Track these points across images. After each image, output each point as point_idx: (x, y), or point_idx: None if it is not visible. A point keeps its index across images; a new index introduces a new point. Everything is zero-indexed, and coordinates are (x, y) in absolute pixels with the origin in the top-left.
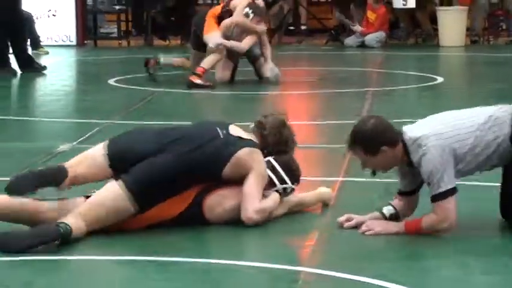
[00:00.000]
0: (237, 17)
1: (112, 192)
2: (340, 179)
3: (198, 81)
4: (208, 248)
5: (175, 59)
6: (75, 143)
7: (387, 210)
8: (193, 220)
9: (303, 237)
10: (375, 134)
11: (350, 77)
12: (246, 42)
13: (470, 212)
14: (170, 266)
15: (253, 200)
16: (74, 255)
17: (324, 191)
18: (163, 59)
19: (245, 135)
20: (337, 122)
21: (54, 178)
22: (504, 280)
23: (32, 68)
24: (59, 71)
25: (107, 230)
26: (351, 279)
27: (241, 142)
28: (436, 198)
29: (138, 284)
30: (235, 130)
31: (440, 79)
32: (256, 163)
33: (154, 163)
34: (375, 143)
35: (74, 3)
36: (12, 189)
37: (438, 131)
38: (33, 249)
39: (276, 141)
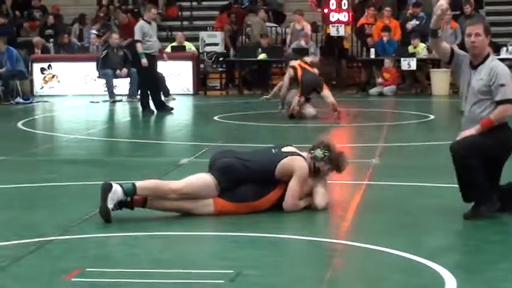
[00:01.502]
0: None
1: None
2: (366, 182)
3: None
4: (270, 225)
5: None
6: (192, 158)
7: None
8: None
9: (341, 218)
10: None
11: (372, 115)
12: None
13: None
14: (240, 238)
15: (293, 196)
16: (188, 231)
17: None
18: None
19: (295, 151)
20: (363, 145)
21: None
22: None
23: (164, 109)
24: (181, 111)
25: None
26: (381, 250)
27: (287, 154)
28: (503, 102)
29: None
30: (287, 148)
31: (432, 116)
32: (297, 167)
33: (223, 161)
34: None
35: (191, 67)
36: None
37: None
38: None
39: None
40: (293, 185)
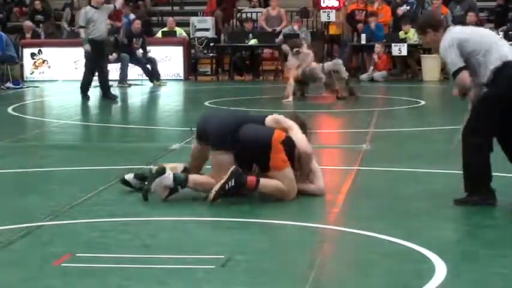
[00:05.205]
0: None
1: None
2: (356, 168)
3: None
4: (261, 211)
5: None
6: (182, 143)
7: None
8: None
9: (332, 203)
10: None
11: (363, 100)
12: None
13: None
14: (231, 224)
15: (304, 140)
16: (191, 217)
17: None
18: None
19: None
20: (354, 130)
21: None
22: None
23: (84, 96)
24: (172, 96)
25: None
26: (371, 236)
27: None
28: (453, 74)
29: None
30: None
31: (423, 102)
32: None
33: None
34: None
35: (182, 52)
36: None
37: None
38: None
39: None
40: (297, 135)
